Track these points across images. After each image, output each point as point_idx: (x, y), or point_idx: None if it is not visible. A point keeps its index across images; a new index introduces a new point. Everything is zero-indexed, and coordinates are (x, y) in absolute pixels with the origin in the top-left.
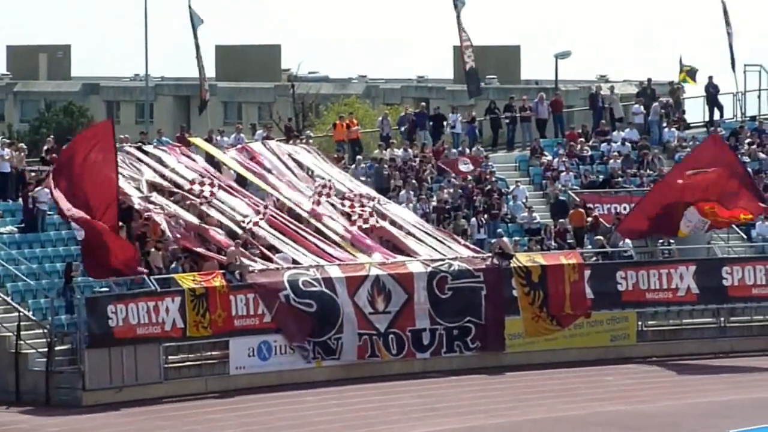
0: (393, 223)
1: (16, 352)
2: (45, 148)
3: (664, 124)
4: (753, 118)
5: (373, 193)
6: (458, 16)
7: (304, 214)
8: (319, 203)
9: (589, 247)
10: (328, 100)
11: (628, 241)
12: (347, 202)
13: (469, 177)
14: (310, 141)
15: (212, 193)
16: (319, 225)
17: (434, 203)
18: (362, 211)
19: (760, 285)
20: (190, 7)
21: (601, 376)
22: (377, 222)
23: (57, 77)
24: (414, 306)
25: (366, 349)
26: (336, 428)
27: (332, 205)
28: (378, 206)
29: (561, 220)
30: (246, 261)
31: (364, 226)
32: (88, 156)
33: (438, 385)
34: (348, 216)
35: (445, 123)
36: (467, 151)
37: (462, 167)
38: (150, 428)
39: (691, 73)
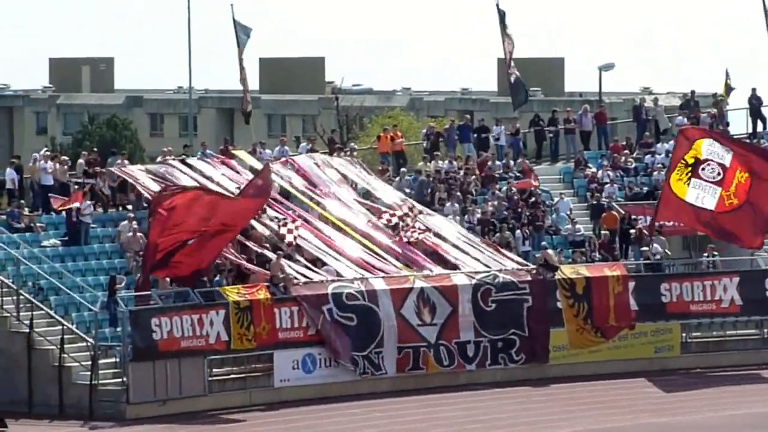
0: (438, 235)
1: (60, 366)
2: (86, 159)
3: None
4: None
5: (418, 205)
6: (503, 29)
7: (349, 229)
8: (369, 223)
9: (632, 258)
10: (372, 113)
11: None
12: (392, 215)
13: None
14: (354, 153)
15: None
16: (363, 239)
17: (479, 215)
18: (407, 223)
19: None
20: (234, 19)
21: (646, 388)
22: (422, 234)
23: (100, 90)
24: (459, 318)
25: (407, 362)
26: None
27: (379, 218)
28: (422, 218)
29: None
30: (290, 271)
31: (411, 238)
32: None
33: (482, 397)
34: (393, 228)
35: (489, 135)
36: (511, 163)
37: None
38: None
39: (728, 89)
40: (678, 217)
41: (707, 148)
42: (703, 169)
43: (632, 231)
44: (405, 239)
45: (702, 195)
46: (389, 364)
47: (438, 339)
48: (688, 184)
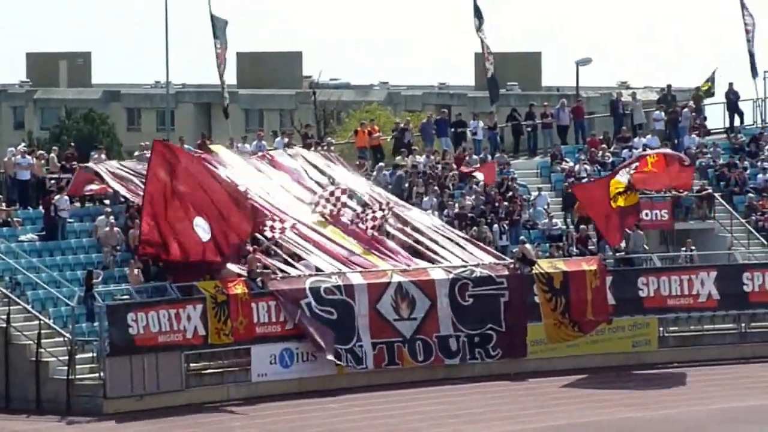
0: (415, 229)
1: (37, 361)
2: (64, 154)
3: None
4: None
5: (395, 199)
6: (479, 30)
7: (326, 224)
8: (334, 211)
9: (607, 250)
10: (350, 107)
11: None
12: (368, 209)
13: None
14: (332, 148)
15: None
16: (338, 233)
17: (456, 210)
18: (382, 216)
19: None
20: (211, 14)
21: (624, 382)
22: (398, 227)
23: (77, 84)
24: (438, 313)
25: (382, 357)
26: None
27: (353, 210)
28: (400, 212)
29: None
30: (268, 263)
31: (385, 231)
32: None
33: (460, 391)
34: (369, 222)
35: (467, 130)
36: (489, 157)
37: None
38: None
39: (708, 91)
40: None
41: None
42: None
43: None
44: (378, 231)
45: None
46: (368, 358)
47: (416, 333)
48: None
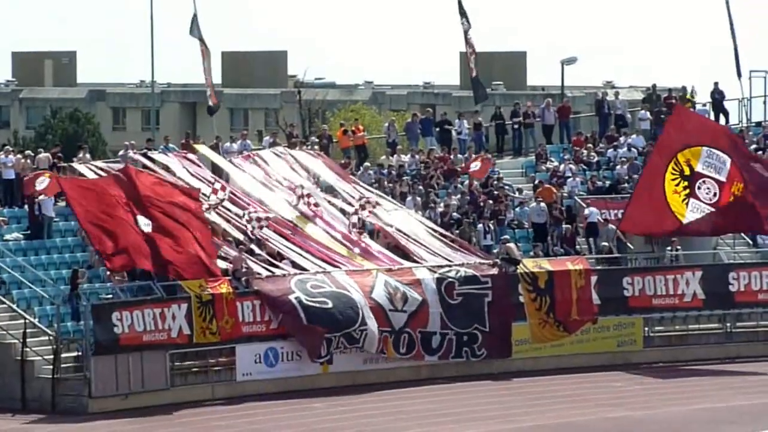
0: (399, 230)
1: (22, 360)
2: (51, 152)
3: None
4: (758, 124)
5: (380, 199)
6: (465, 31)
7: (305, 225)
8: (322, 213)
9: (587, 249)
10: (335, 106)
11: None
12: (351, 208)
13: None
14: (316, 147)
15: (219, 202)
16: (322, 234)
17: (441, 209)
18: (366, 216)
19: (766, 291)
20: (194, 15)
21: (609, 382)
22: (382, 228)
23: (63, 84)
24: (429, 309)
25: (385, 344)
26: None
27: (336, 209)
28: (384, 212)
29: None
30: (253, 266)
31: (368, 231)
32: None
33: (445, 391)
34: (352, 222)
35: (452, 129)
36: (473, 157)
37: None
38: None
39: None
40: (650, 229)
41: (705, 159)
42: (699, 187)
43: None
44: (361, 231)
45: (696, 216)
46: (372, 342)
47: (404, 327)
48: (687, 204)
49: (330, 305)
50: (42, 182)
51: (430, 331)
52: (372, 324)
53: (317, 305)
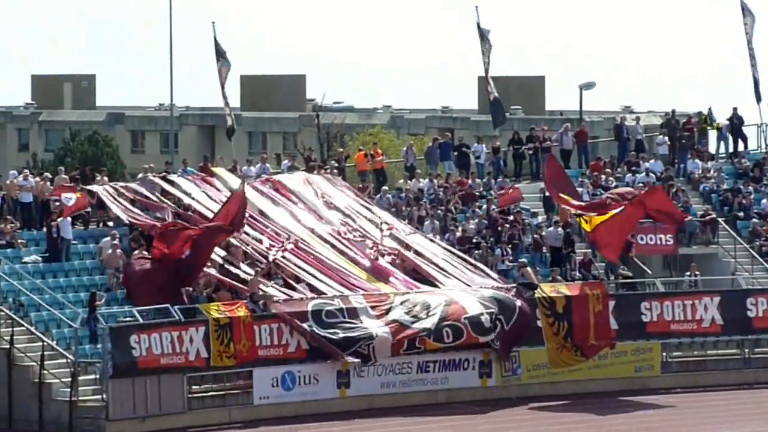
0: (418, 253)
1: (40, 382)
2: (69, 176)
3: (688, 155)
4: None
5: (398, 223)
6: (484, 51)
7: (323, 248)
8: (340, 236)
9: (602, 271)
10: (353, 130)
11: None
12: (370, 233)
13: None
14: (335, 171)
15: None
16: (340, 257)
17: (459, 234)
18: (385, 241)
19: None
20: (215, 39)
21: (625, 407)
22: (401, 252)
23: (82, 106)
24: (459, 301)
25: (402, 344)
26: None
27: (358, 233)
28: (403, 236)
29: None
30: (269, 290)
31: (387, 257)
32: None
33: (463, 415)
34: (371, 246)
35: (470, 153)
36: (492, 182)
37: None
38: None
39: (710, 125)
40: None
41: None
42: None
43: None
44: (382, 256)
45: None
46: (383, 350)
47: (441, 322)
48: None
49: (339, 336)
50: (69, 199)
51: (476, 314)
52: (375, 327)
53: (328, 335)
